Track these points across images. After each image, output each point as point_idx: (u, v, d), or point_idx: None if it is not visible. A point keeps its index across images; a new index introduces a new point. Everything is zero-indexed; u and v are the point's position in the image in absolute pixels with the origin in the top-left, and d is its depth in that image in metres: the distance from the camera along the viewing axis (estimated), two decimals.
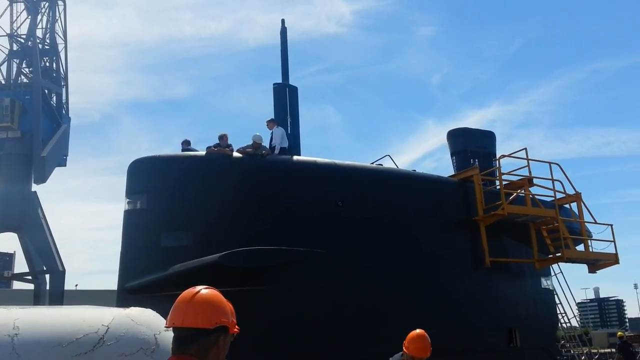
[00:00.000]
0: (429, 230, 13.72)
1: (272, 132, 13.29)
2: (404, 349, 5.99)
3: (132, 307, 3.94)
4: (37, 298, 28.20)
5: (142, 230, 12.14)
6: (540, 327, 15.01)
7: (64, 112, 31.64)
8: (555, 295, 16.13)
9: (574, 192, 15.45)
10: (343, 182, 13.02)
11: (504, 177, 14.78)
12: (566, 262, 14.99)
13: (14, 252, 48.56)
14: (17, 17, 31.19)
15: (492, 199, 14.26)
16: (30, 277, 29.62)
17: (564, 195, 15.39)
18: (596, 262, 15.53)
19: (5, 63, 30.40)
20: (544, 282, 15.86)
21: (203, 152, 12.87)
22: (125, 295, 11.62)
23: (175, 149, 13.81)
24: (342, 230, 12.48)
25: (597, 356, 18.34)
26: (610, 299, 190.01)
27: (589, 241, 15.62)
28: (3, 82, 29.99)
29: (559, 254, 14.68)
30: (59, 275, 28.63)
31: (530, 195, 14.64)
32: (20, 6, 31.37)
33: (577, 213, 15.55)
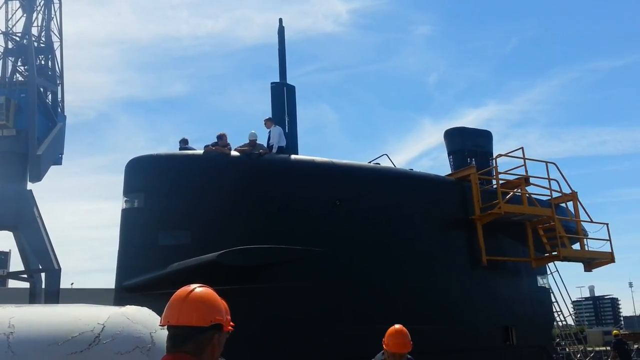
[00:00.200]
0: (426, 229, 13.77)
1: (270, 131, 13.30)
2: (384, 346, 5.87)
3: (128, 306, 3.93)
4: (32, 297, 28.12)
5: (139, 229, 12.13)
6: (536, 326, 15.08)
7: (59, 110, 31.49)
8: (552, 294, 16.20)
9: (570, 191, 15.54)
10: (341, 181, 13.05)
11: (500, 176, 14.86)
12: (562, 260, 15.07)
13: (10, 250, 48.45)
14: (12, 15, 31.05)
15: (489, 198, 14.32)
16: (25, 276, 29.53)
17: (560, 194, 15.47)
18: (592, 261, 15.62)
19: (1, 61, 30.24)
20: (540, 281, 15.94)
21: (201, 151, 12.87)
22: (123, 294, 11.62)
23: (171, 148, 13.84)
24: (340, 229, 12.51)
25: (592, 354, 18.42)
26: (606, 297, 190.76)
27: (584, 240, 15.71)
28: None
29: (555, 253, 14.77)
30: (54, 273, 28.52)
31: (527, 195, 14.70)
32: (16, 4, 31.21)
33: (573, 212, 15.62)
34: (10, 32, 30.85)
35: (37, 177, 29.18)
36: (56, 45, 31.77)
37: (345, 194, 12.74)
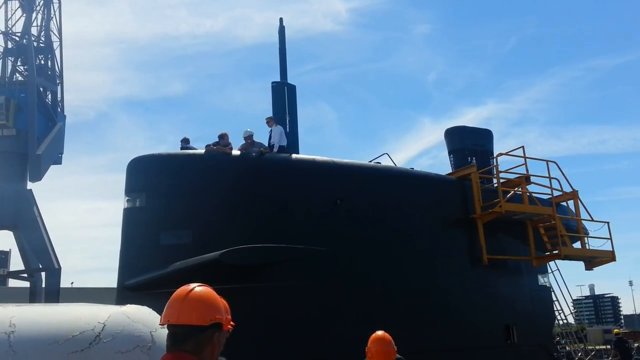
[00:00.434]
0: (427, 227, 13.78)
1: (271, 130, 13.31)
2: (367, 354, 5.57)
3: (129, 305, 3.94)
4: (32, 296, 28.13)
5: (141, 228, 12.14)
6: (537, 324, 15.10)
7: (59, 109, 31.49)
8: (552, 292, 16.21)
9: (571, 190, 15.55)
10: (342, 180, 13.06)
11: (501, 175, 14.87)
12: (563, 259, 15.09)
13: (10, 250, 48.36)
14: (11, 15, 31.05)
15: (490, 197, 14.34)
16: (26, 275, 29.54)
17: (561, 193, 15.48)
18: (593, 260, 15.64)
19: (0, 61, 30.25)
20: (541, 280, 15.95)
21: (202, 151, 12.88)
22: (124, 293, 11.63)
23: (170, 147, 13.86)
24: (341, 228, 12.52)
25: (593, 352, 18.45)
26: (606, 295, 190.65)
27: (585, 238, 15.72)
28: None
29: (556, 252, 14.78)
30: (54, 273, 28.53)
31: (528, 193, 14.71)
32: (15, 4, 31.21)
33: (573, 211, 15.63)
34: (10, 32, 30.85)
35: (37, 177, 29.19)
36: (56, 45, 31.78)
37: (346, 193, 12.75)
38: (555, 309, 16.34)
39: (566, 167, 15.80)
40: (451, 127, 16.73)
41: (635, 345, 29.07)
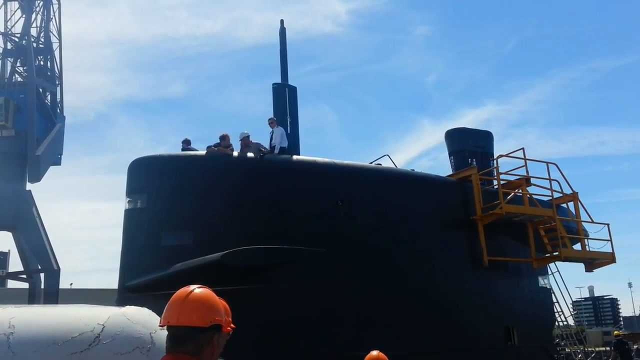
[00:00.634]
0: (428, 229, 13.80)
1: (272, 132, 13.32)
2: None
3: (128, 306, 3.94)
4: (32, 297, 28.14)
5: (142, 230, 12.14)
6: (537, 326, 15.12)
7: (58, 110, 31.54)
8: (553, 294, 16.23)
9: (571, 192, 15.57)
10: (343, 181, 13.07)
11: (501, 176, 14.88)
12: (563, 261, 15.10)
13: (9, 250, 48.27)
14: (11, 16, 31.09)
15: (490, 199, 14.36)
16: (25, 276, 29.55)
17: (561, 194, 15.50)
18: (593, 261, 15.65)
19: (0, 62, 30.25)
20: (541, 281, 15.97)
21: (203, 152, 12.89)
22: (125, 294, 11.62)
23: (170, 148, 13.89)
24: (342, 229, 12.53)
25: (593, 354, 18.48)
26: (605, 297, 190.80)
27: (585, 240, 15.74)
28: None
29: (557, 253, 14.79)
30: (53, 274, 28.53)
31: (528, 195, 14.73)
32: (15, 5, 31.27)
33: (574, 212, 15.66)
34: (9, 32, 30.88)
35: (36, 178, 29.19)
36: (55, 45, 31.84)
37: (347, 194, 12.76)
38: (555, 310, 16.36)
39: (566, 169, 15.86)
40: (452, 129, 16.75)
41: (635, 347, 29.12)
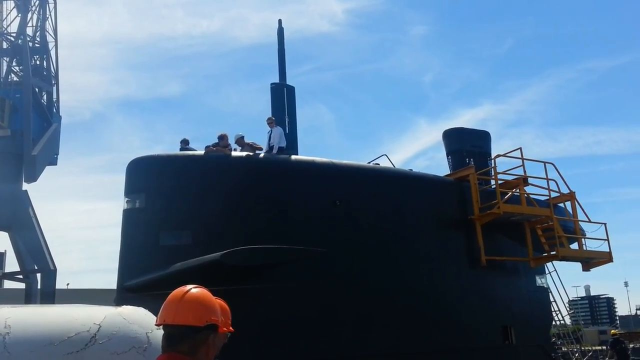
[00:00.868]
0: (426, 229, 13.83)
1: (270, 132, 13.33)
2: None
3: (124, 306, 3.95)
4: (28, 297, 28.02)
5: (141, 229, 12.13)
6: (535, 325, 15.18)
7: (54, 110, 31.37)
8: (550, 293, 16.29)
9: (568, 191, 15.63)
10: (341, 181, 13.09)
11: (499, 176, 14.93)
12: (561, 260, 15.14)
13: (5, 251, 47.96)
14: (7, 15, 30.93)
15: (488, 198, 14.40)
16: (21, 276, 29.39)
17: (559, 194, 15.56)
18: (590, 261, 15.71)
19: None
20: (539, 281, 16.03)
21: (202, 152, 12.89)
22: (124, 294, 11.61)
23: (167, 148, 13.90)
24: (341, 229, 12.55)
25: (590, 353, 18.56)
26: (601, 296, 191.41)
27: (582, 240, 15.80)
28: None
29: (554, 253, 14.85)
30: (50, 274, 28.43)
31: (525, 195, 14.78)
32: (10, 4, 31.07)
33: (571, 212, 15.72)
34: (5, 32, 30.70)
35: (33, 178, 29.07)
36: (51, 45, 31.64)
37: (345, 194, 12.77)
38: (552, 309, 16.42)
39: (562, 169, 15.91)
40: (449, 129, 16.80)
41: (631, 345, 29.24)
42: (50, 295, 27.58)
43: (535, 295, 15.73)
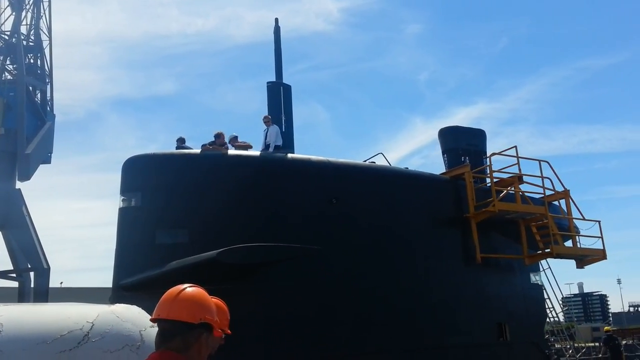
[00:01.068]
0: (422, 227, 13.89)
1: (267, 130, 13.35)
2: None
3: (117, 304, 3.94)
4: (21, 296, 27.95)
5: (137, 228, 12.12)
6: (529, 322, 15.28)
7: (48, 109, 31.26)
8: (544, 291, 16.39)
9: (563, 189, 15.72)
10: (337, 179, 13.12)
11: (494, 174, 15.00)
12: (555, 257, 15.24)
13: None
14: (1, 14, 30.81)
15: (483, 196, 14.46)
16: (14, 275, 29.28)
17: (553, 192, 15.65)
18: (584, 258, 15.82)
19: None
20: (533, 278, 16.12)
21: (198, 150, 12.89)
22: (120, 293, 11.60)
23: (161, 147, 13.96)
24: (336, 227, 12.58)
25: (583, 350, 18.69)
26: (594, 294, 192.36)
27: (577, 237, 15.90)
28: None
29: (548, 250, 14.94)
30: (43, 272, 28.36)
31: (520, 193, 14.86)
32: (4, 2, 30.98)
33: (565, 210, 15.81)
34: None
35: (26, 176, 28.97)
36: (45, 43, 31.54)
37: (341, 192, 12.81)
38: (546, 306, 16.53)
39: (556, 167, 16.01)
40: (445, 127, 16.85)
41: (624, 342, 29.45)
42: (43, 294, 27.50)
43: (530, 293, 15.83)
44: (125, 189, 12.44)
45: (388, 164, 15.52)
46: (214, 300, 2.83)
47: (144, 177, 12.52)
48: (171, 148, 13.69)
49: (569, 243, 15.91)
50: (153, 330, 2.74)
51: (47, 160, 31.30)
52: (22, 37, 30.30)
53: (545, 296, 16.44)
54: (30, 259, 28.44)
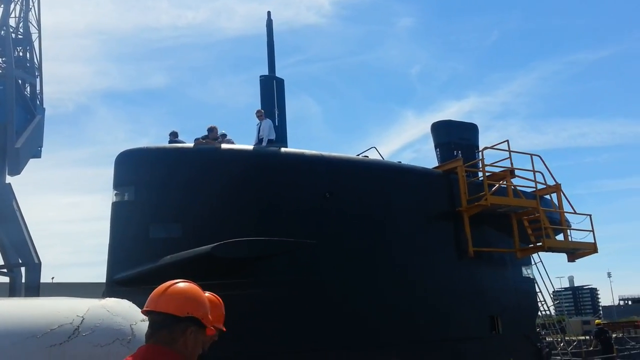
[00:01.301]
0: (415, 220, 13.94)
1: (260, 124, 13.32)
2: None
3: (108, 298, 3.94)
4: (12, 291, 27.84)
5: (130, 222, 12.08)
6: (521, 315, 15.39)
7: (38, 102, 31.09)
8: (535, 284, 16.51)
9: (554, 183, 15.82)
10: (331, 173, 13.14)
11: (486, 168, 15.06)
12: (547, 251, 15.34)
13: None
14: None
15: (476, 190, 14.53)
16: (5, 270, 29.15)
17: (545, 186, 15.74)
18: (575, 251, 15.94)
19: None
20: (525, 271, 16.23)
21: (191, 144, 12.84)
22: (113, 287, 11.56)
23: (152, 140, 13.90)
24: (330, 221, 12.60)
25: (575, 343, 18.86)
26: (585, 287, 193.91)
27: (568, 231, 16.02)
28: None
29: (540, 244, 15.03)
30: (34, 267, 28.28)
31: (512, 187, 14.93)
32: None
33: (557, 203, 15.92)
34: None
35: (16, 171, 28.79)
36: (34, 36, 31.36)
37: (335, 186, 12.83)
38: (538, 300, 16.65)
39: (547, 160, 16.08)
40: (438, 121, 16.90)
41: (614, 335, 29.74)
42: (34, 289, 27.40)
43: (522, 286, 15.94)
44: (119, 183, 12.38)
45: (381, 158, 15.54)
46: (208, 295, 2.86)
47: (138, 171, 12.47)
48: (162, 142, 13.66)
49: (560, 237, 16.03)
50: (144, 324, 2.76)
51: (37, 155, 31.14)
52: (11, 30, 30.02)
53: (537, 289, 16.56)
54: (21, 254, 28.33)
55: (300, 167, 13.01)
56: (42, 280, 28.99)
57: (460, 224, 14.36)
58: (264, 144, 13.11)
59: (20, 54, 30.80)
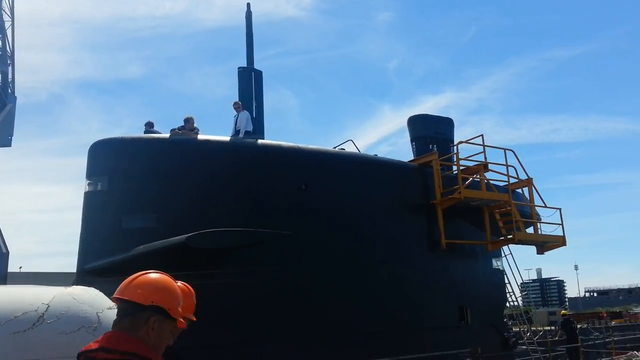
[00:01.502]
0: (389, 212, 14.09)
1: (237, 116, 13.29)
2: None
3: (74, 286, 3.89)
4: None
5: (103, 212, 11.96)
6: (490, 306, 15.73)
7: (9, 91, 30.40)
8: (505, 276, 16.85)
9: (526, 177, 16.12)
10: (307, 166, 13.19)
11: (461, 162, 15.28)
12: (517, 244, 15.66)
13: None
14: None
15: (450, 184, 14.74)
16: None
17: (517, 180, 16.04)
18: (545, 244, 16.29)
19: None
20: (495, 263, 16.55)
21: (167, 135, 12.75)
22: (84, 277, 11.45)
23: (126, 131, 13.80)
24: (305, 213, 12.67)
25: (541, 332, 19.32)
26: (552, 279, 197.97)
27: (538, 224, 16.36)
28: None
29: (511, 236, 15.34)
30: (2, 257, 27.75)
31: (485, 180, 15.18)
32: None
33: (528, 197, 16.24)
34: None
35: None
36: (7, 24, 30.56)
37: (311, 178, 12.89)
38: (507, 291, 17.00)
39: (520, 155, 16.38)
40: (414, 115, 17.05)
41: (579, 326, 30.53)
42: (2, 278, 26.86)
43: (492, 278, 16.27)
44: (92, 173, 12.24)
45: (358, 151, 15.64)
46: (180, 285, 2.84)
47: (112, 160, 12.34)
48: (137, 132, 13.53)
49: (530, 230, 16.36)
50: (111, 312, 2.77)
51: (8, 144, 30.50)
52: None
53: (506, 281, 16.92)
54: None
55: (277, 159, 13.03)
56: (9, 270, 28.47)
57: (434, 217, 14.57)
58: (241, 135, 13.09)
59: None
